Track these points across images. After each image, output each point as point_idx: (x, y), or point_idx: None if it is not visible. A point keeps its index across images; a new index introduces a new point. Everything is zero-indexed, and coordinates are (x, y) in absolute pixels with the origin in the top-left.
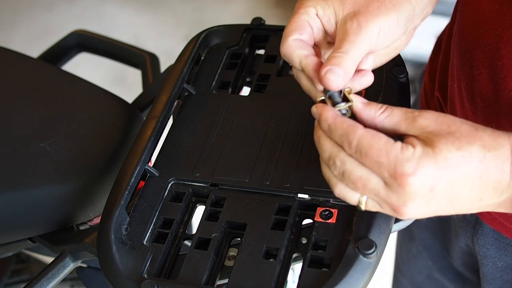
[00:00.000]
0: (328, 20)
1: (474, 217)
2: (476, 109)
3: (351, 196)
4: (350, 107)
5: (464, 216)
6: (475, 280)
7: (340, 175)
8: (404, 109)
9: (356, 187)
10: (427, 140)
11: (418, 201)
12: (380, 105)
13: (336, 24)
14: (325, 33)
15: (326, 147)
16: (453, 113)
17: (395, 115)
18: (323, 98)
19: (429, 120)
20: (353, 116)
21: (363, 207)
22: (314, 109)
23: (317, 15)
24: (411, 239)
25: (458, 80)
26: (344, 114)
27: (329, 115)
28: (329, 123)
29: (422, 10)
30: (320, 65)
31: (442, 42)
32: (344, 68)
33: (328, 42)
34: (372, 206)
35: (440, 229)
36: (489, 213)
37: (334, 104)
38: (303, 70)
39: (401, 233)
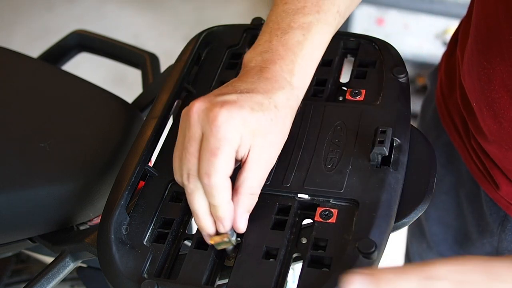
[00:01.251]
0: (243, 149)
1: (502, 213)
2: (501, 129)
3: None
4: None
5: (491, 213)
6: None
7: None
8: None
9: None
10: None
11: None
12: None
13: (248, 153)
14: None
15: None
16: (476, 125)
17: None
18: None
19: None
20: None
21: None
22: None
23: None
24: (422, 234)
25: (477, 101)
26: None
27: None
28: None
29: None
30: (232, 213)
31: (459, 35)
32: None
33: None
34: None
35: (453, 225)
36: None
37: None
38: (214, 209)
39: (411, 228)
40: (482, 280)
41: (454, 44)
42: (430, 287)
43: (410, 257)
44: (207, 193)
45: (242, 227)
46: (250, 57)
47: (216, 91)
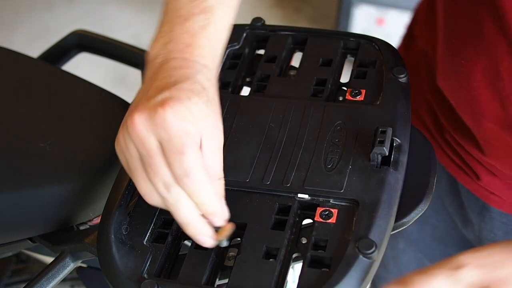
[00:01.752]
0: (197, 138)
1: (480, 203)
2: (479, 126)
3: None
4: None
5: (469, 203)
6: None
7: None
8: None
9: None
10: None
11: None
12: None
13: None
14: None
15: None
16: (454, 121)
17: None
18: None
19: None
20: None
21: None
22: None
23: None
24: (398, 234)
25: (455, 100)
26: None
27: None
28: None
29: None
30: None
31: (417, 31)
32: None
33: None
34: None
35: (430, 220)
36: (497, 196)
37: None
38: (203, 206)
39: None
40: (505, 260)
41: (409, 39)
42: (458, 275)
43: (384, 263)
44: (191, 193)
45: (226, 212)
46: (155, 52)
47: (140, 99)
